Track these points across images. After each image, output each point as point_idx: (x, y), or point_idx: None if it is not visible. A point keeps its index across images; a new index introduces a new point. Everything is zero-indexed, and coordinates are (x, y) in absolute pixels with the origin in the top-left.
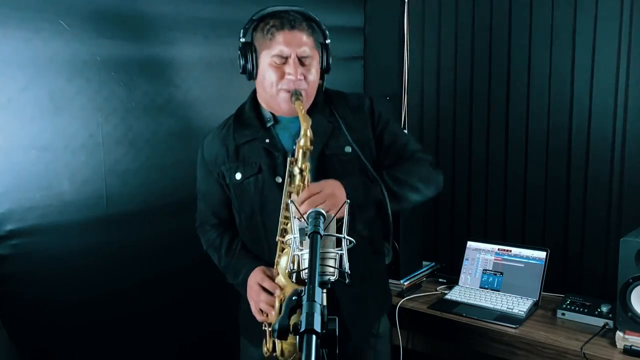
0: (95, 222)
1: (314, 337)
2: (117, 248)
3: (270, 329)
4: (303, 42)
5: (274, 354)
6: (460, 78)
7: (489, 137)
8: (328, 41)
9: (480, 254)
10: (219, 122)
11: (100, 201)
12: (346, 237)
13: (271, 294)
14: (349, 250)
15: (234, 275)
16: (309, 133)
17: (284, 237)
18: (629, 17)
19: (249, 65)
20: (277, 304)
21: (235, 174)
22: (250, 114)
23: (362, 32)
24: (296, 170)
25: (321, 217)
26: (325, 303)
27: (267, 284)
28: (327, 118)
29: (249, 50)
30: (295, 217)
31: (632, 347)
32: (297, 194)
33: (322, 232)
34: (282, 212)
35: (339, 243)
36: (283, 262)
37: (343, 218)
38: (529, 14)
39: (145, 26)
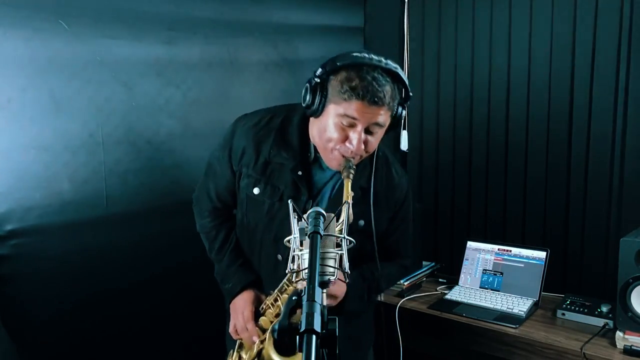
0: (95, 222)
1: (314, 337)
2: (117, 248)
3: (239, 342)
4: (378, 118)
5: None
6: (460, 78)
7: (489, 137)
8: (408, 103)
9: (480, 254)
10: (218, 122)
11: (100, 201)
12: (346, 237)
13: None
14: None
15: (221, 281)
16: (344, 227)
17: (281, 293)
18: (629, 17)
19: (314, 107)
20: (255, 350)
21: (254, 187)
22: (295, 135)
23: (362, 32)
24: None
25: (321, 217)
26: (325, 303)
27: (251, 327)
28: (361, 183)
29: (319, 92)
30: (295, 217)
31: (632, 347)
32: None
33: (322, 232)
34: (288, 277)
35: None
36: (266, 319)
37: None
38: (529, 13)
39: (145, 26)
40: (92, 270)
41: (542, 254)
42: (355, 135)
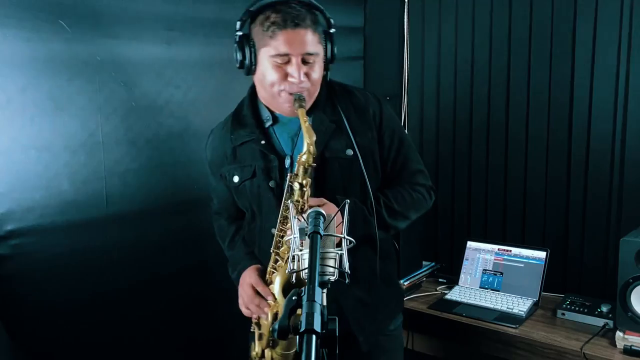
0: (95, 222)
1: (314, 337)
2: (117, 248)
3: (259, 331)
4: (307, 42)
5: None
6: (460, 78)
7: (489, 137)
8: (333, 30)
9: (480, 254)
10: (218, 122)
11: (100, 201)
12: (346, 237)
13: (263, 297)
14: (350, 251)
15: (231, 270)
16: (312, 149)
17: (278, 248)
18: (629, 17)
19: (247, 61)
20: (270, 316)
21: (233, 177)
22: (247, 112)
23: (362, 32)
24: (296, 186)
25: (321, 217)
26: (325, 303)
27: (261, 287)
28: (329, 117)
29: (246, 45)
30: (295, 217)
31: (632, 347)
32: (296, 209)
33: (322, 232)
34: (278, 225)
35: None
36: (277, 283)
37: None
38: (529, 13)
39: (145, 26)
40: (92, 270)
41: (542, 254)
42: (293, 68)
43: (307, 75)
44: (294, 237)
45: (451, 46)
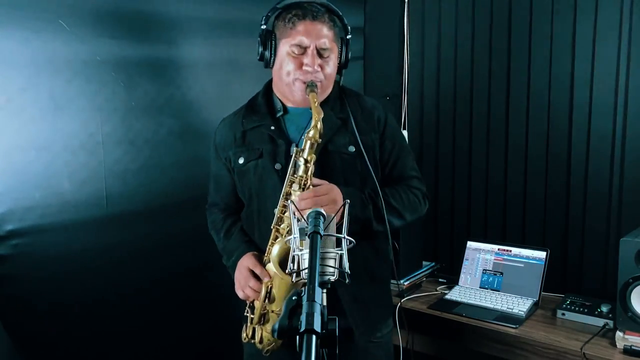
0: (95, 222)
1: (314, 337)
2: (117, 248)
3: (251, 315)
4: (323, 34)
5: (252, 341)
6: (460, 78)
7: (489, 137)
8: (349, 37)
9: (480, 254)
10: (218, 122)
11: (100, 201)
12: (346, 237)
13: (260, 280)
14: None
15: (227, 257)
16: (319, 125)
17: (279, 225)
18: (629, 17)
19: (267, 53)
20: (263, 291)
21: (239, 158)
22: (261, 101)
23: (362, 32)
24: (301, 161)
25: (321, 217)
26: (325, 303)
27: (259, 270)
28: (336, 114)
29: (268, 38)
30: (295, 217)
31: (632, 347)
32: (299, 184)
33: (322, 232)
34: (281, 201)
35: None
36: (275, 250)
37: (343, 218)
38: (529, 14)
39: (145, 26)
40: (92, 270)
41: (542, 254)
42: (308, 58)
43: (321, 67)
44: (294, 237)
45: (451, 46)
